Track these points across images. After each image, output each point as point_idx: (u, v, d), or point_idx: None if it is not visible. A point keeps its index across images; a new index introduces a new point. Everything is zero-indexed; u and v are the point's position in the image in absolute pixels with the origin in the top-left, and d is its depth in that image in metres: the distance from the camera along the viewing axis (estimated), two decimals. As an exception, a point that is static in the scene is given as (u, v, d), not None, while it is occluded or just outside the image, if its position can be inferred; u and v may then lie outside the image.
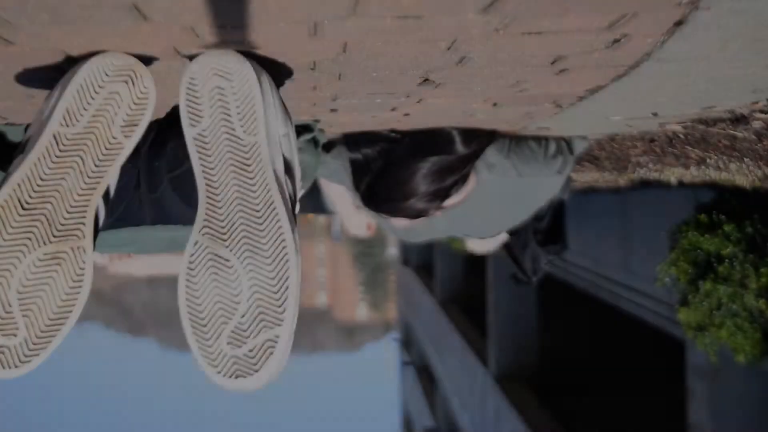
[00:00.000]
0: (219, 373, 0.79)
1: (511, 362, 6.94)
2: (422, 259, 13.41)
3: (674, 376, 4.64)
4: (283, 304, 0.80)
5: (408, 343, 15.40)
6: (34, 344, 0.80)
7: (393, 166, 1.59)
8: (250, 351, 0.79)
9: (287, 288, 0.81)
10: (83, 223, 0.84)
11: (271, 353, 0.79)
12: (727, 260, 2.39)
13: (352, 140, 1.70)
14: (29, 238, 0.82)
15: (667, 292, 3.28)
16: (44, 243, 0.82)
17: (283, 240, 0.82)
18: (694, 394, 3.55)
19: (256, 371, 0.78)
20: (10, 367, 0.79)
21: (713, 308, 2.43)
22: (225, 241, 0.83)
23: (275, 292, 0.81)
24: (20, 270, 0.81)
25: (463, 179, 1.66)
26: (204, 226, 0.83)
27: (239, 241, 0.82)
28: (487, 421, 7.27)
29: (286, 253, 0.82)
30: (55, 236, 0.83)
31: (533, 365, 6.94)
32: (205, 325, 0.80)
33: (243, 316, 0.80)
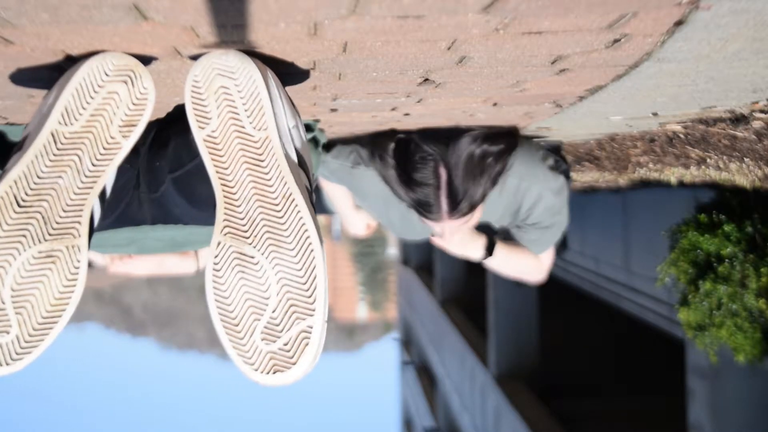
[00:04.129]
0: (256, 370, 0.79)
1: (511, 362, 6.94)
2: (422, 259, 13.41)
3: (674, 376, 4.64)
4: (312, 294, 0.80)
5: (408, 343, 15.40)
6: (26, 342, 0.80)
7: (452, 162, 1.57)
8: (285, 345, 0.79)
9: (315, 277, 0.81)
10: (79, 222, 0.84)
11: (307, 344, 0.79)
12: (727, 260, 2.39)
13: (398, 177, 1.62)
14: (24, 236, 0.82)
15: (667, 292, 3.29)
16: (39, 241, 0.82)
17: (306, 230, 0.82)
18: (694, 394, 3.55)
19: (294, 364, 0.79)
20: (2, 364, 0.79)
21: (713, 308, 2.43)
22: (248, 238, 0.83)
23: (303, 283, 0.81)
24: (14, 267, 0.81)
25: (510, 149, 1.65)
26: (225, 226, 0.83)
27: (262, 236, 0.82)
28: (487, 421, 7.27)
29: (310, 243, 0.82)
30: (50, 234, 0.83)
31: (533, 365, 6.94)
32: (237, 324, 0.80)
33: (274, 311, 0.80)
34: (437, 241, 1.77)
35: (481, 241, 1.79)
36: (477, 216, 1.66)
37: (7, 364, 0.79)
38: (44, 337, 0.80)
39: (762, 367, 2.54)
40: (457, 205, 1.57)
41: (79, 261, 0.84)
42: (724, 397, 3.37)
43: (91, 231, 0.87)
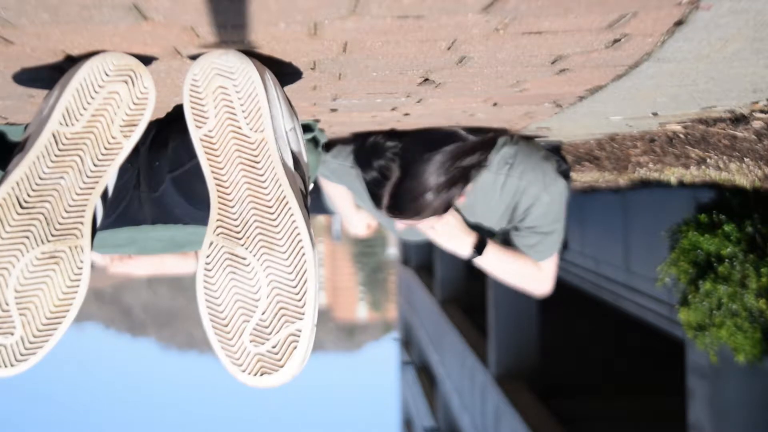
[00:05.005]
0: (244, 371, 0.79)
1: (511, 362, 6.94)
2: (422, 259, 13.41)
3: (674, 376, 4.64)
4: (302, 297, 0.81)
5: (408, 343, 15.40)
6: (31, 343, 0.80)
7: (410, 166, 1.58)
8: (274, 347, 0.79)
9: (305, 281, 0.81)
10: (81, 223, 0.84)
11: (295, 347, 0.79)
12: (727, 260, 2.39)
13: (361, 157, 1.68)
14: (27, 237, 0.82)
15: (667, 292, 3.29)
16: (42, 242, 0.82)
17: (298, 234, 0.82)
18: (694, 394, 3.55)
19: (281, 366, 0.79)
20: (6, 366, 0.79)
21: (713, 308, 2.43)
22: (240, 239, 0.83)
23: (294, 287, 0.81)
24: (18, 268, 0.81)
25: (482, 162, 1.65)
26: (218, 227, 0.83)
27: (254, 238, 0.82)
28: (487, 421, 7.27)
29: (302, 247, 0.82)
30: (53, 235, 0.83)
31: (533, 365, 6.94)
32: (226, 325, 0.81)
33: (264, 313, 0.80)
34: (424, 230, 1.77)
35: (470, 239, 1.78)
36: (447, 217, 1.68)
37: (12, 365, 0.79)
38: (48, 338, 0.80)
39: (762, 367, 2.54)
40: (398, 208, 1.59)
41: (82, 261, 0.84)
42: (724, 397, 3.37)
43: (94, 231, 0.87)
